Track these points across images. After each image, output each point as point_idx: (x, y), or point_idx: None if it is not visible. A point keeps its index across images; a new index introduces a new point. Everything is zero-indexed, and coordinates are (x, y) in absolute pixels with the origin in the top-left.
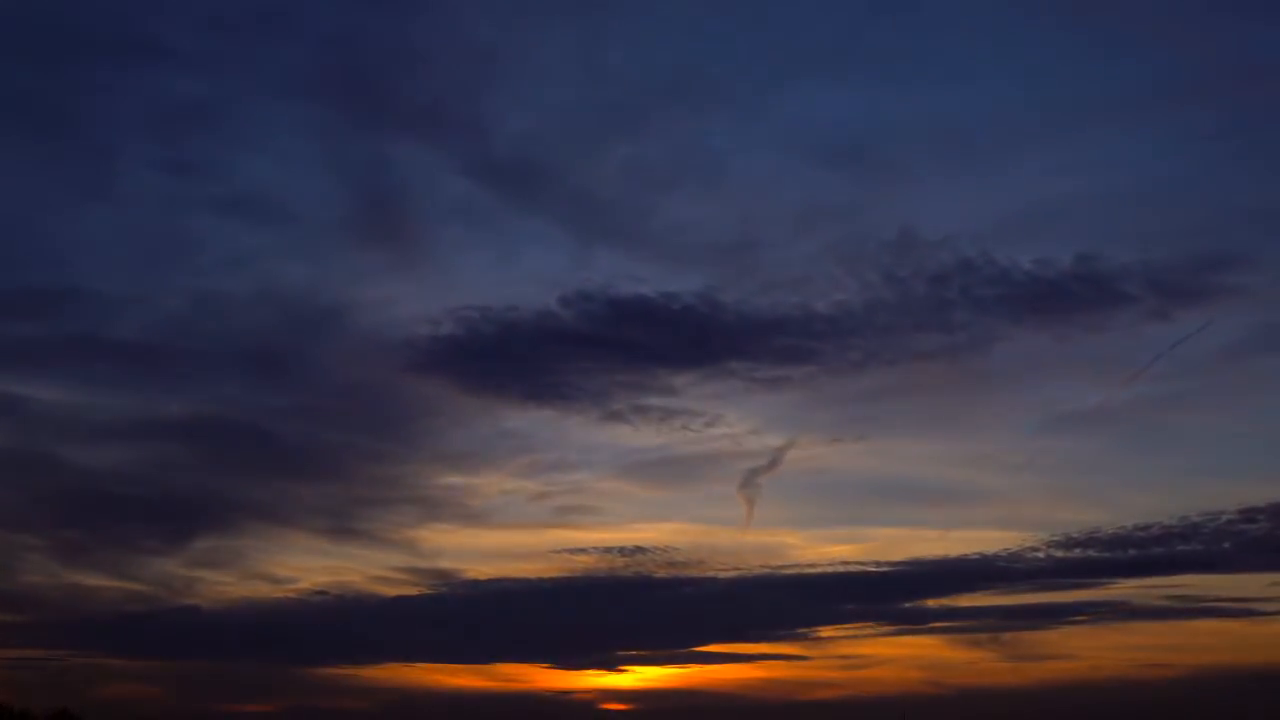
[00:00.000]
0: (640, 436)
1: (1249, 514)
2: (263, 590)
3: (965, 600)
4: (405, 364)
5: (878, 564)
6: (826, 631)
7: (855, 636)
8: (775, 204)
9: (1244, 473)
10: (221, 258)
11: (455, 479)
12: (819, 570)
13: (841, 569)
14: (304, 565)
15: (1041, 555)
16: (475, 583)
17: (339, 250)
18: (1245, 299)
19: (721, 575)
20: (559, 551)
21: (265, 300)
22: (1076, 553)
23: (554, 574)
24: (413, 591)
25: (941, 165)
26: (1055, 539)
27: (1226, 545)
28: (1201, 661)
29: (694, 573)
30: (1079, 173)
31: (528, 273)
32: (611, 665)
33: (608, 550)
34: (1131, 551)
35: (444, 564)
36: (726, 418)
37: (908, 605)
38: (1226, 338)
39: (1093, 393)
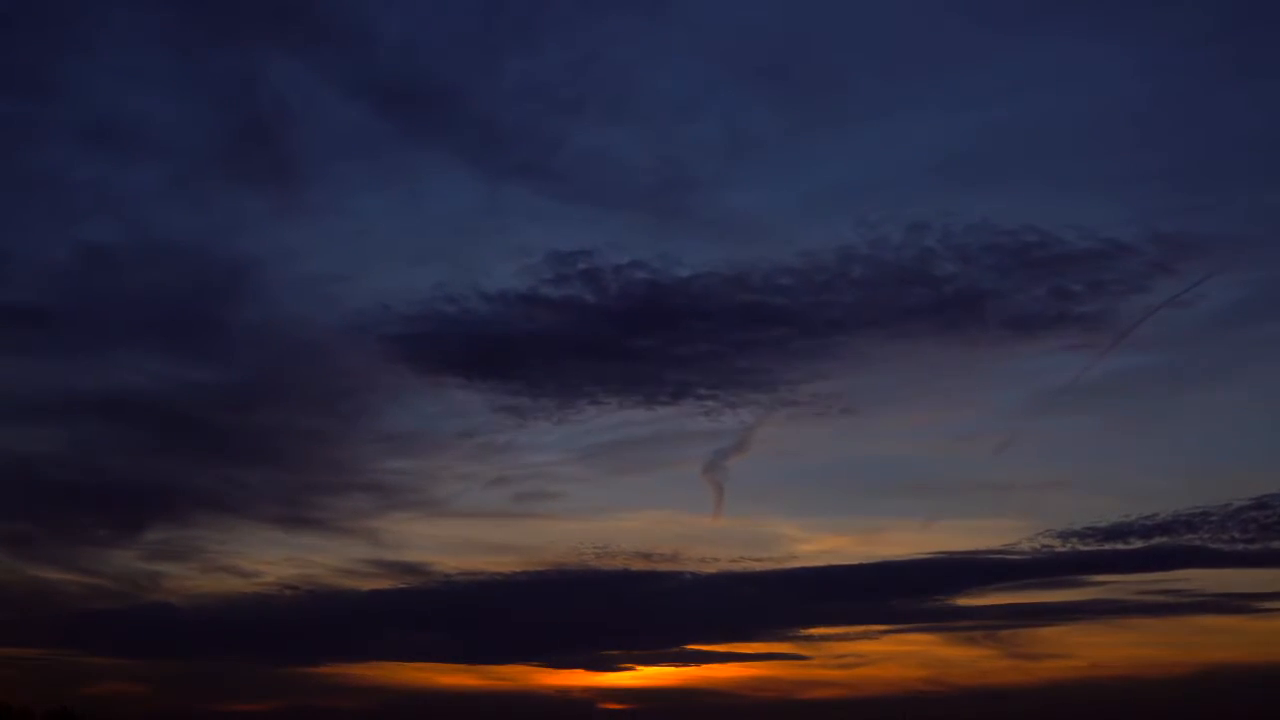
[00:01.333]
0: (600, 411)
1: (1261, 502)
2: (230, 585)
3: (962, 599)
4: (329, 332)
5: (866, 559)
6: (819, 630)
7: (847, 637)
8: (699, 130)
9: (1255, 456)
10: (93, 202)
11: (404, 463)
12: (803, 564)
13: (828, 563)
14: (263, 557)
15: (1040, 547)
16: (450, 577)
17: (221, 192)
18: (1256, 248)
19: (703, 571)
20: (528, 544)
21: (156, 255)
22: (1076, 545)
23: (529, 568)
24: (385, 585)
25: (888, 82)
26: (1055, 529)
27: (1235, 535)
28: (1208, 659)
29: (673, 567)
30: (1058, 89)
31: (438, 217)
32: (607, 665)
33: (579, 542)
34: (1135, 542)
35: (410, 556)
36: (694, 387)
37: (903, 603)
38: (1235, 295)
39: (1092, 359)
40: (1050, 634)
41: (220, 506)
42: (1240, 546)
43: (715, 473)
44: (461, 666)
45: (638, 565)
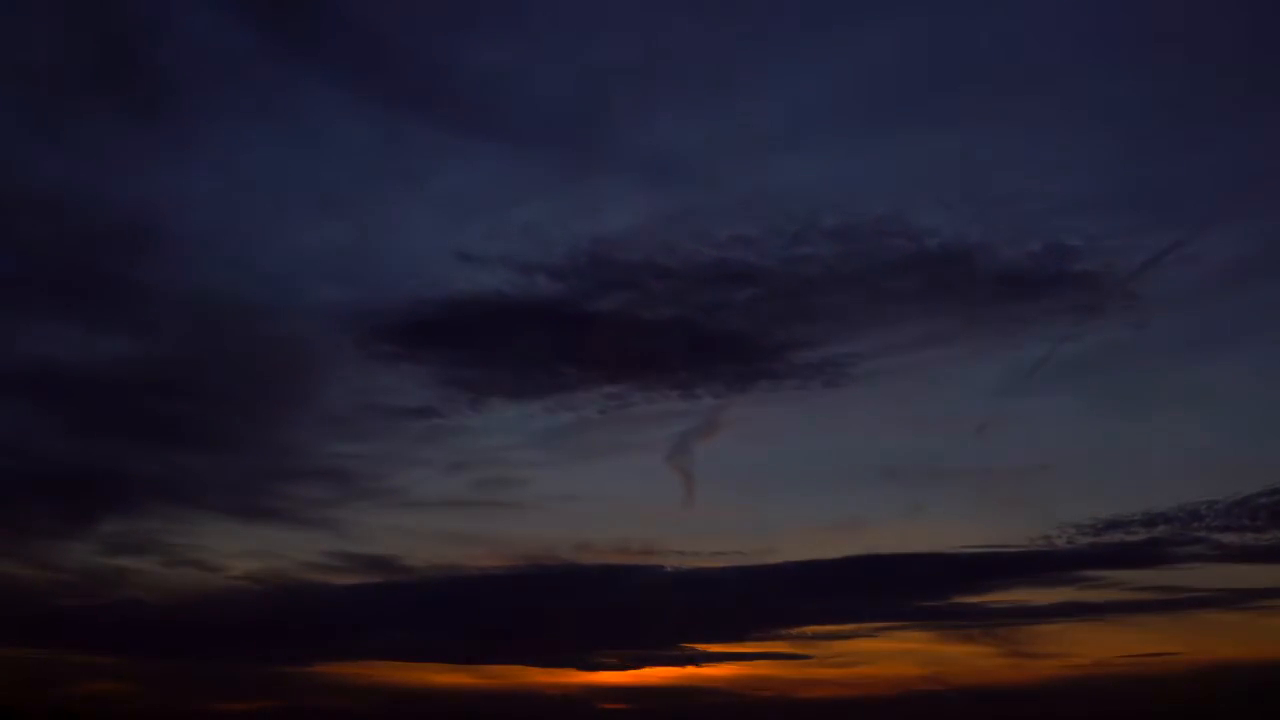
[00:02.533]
0: (559, 385)
1: (1274, 489)
2: (199, 579)
3: (959, 596)
4: (246, 295)
5: (857, 553)
6: (814, 628)
7: (841, 635)
8: (612, 48)
9: (1266, 438)
10: None
11: (355, 447)
12: (790, 558)
13: (817, 557)
14: (225, 550)
15: (1037, 538)
16: (423, 573)
17: (85, 126)
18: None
19: (685, 565)
20: (496, 536)
21: (30, 204)
22: (1074, 536)
23: (503, 563)
24: (358, 580)
25: None
26: (1053, 521)
27: (1246, 523)
28: (1210, 658)
29: (651, 561)
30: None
31: (339, 158)
32: (600, 665)
33: (551, 534)
34: (1138, 533)
35: (379, 549)
36: (662, 356)
37: (898, 600)
38: (1245, 248)
39: (1092, 325)
40: (1050, 631)
41: (171, 495)
42: (1249, 538)
43: (682, 458)
44: (455, 666)
45: (616, 559)
